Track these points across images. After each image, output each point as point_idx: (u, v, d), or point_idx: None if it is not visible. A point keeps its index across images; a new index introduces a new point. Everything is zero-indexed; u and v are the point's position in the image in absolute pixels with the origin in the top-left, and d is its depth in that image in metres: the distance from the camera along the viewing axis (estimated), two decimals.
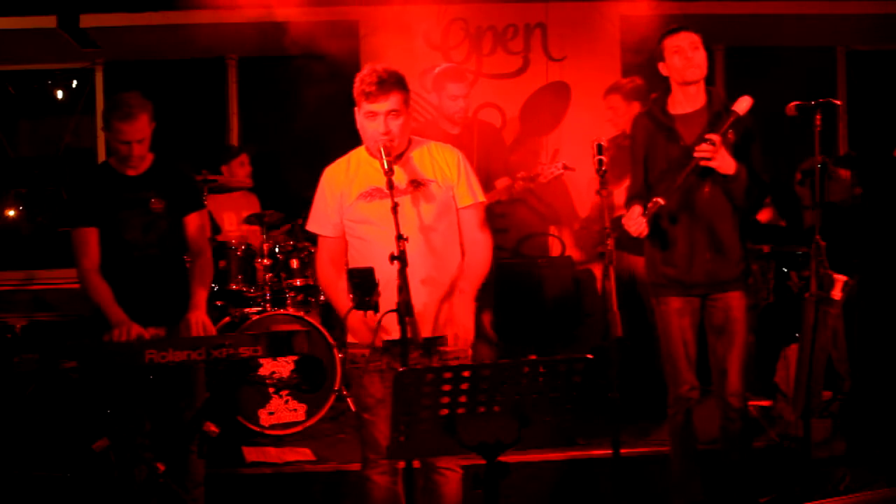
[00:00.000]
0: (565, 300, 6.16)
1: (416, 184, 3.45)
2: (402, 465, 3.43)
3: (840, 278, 4.08)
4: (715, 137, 3.79)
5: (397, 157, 3.40)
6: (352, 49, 6.49)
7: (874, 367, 5.18)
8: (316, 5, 6.32)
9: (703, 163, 3.81)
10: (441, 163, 3.52)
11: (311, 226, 3.57)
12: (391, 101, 3.34)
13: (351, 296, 3.14)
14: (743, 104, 3.85)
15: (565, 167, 5.15)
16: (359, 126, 3.44)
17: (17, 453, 4.66)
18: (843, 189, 5.78)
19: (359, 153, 3.53)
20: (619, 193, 5.26)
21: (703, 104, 4.01)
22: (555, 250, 6.63)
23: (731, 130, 3.90)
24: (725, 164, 3.82)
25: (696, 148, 3.82)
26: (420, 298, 3.25)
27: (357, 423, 3.58)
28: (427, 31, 6.56)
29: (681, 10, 6.33)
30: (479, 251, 3.55)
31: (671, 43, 3.97)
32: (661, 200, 3.84)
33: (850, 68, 7.55)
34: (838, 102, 4.10)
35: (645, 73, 5.44)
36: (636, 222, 3.88)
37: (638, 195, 4.07)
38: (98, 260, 3.90)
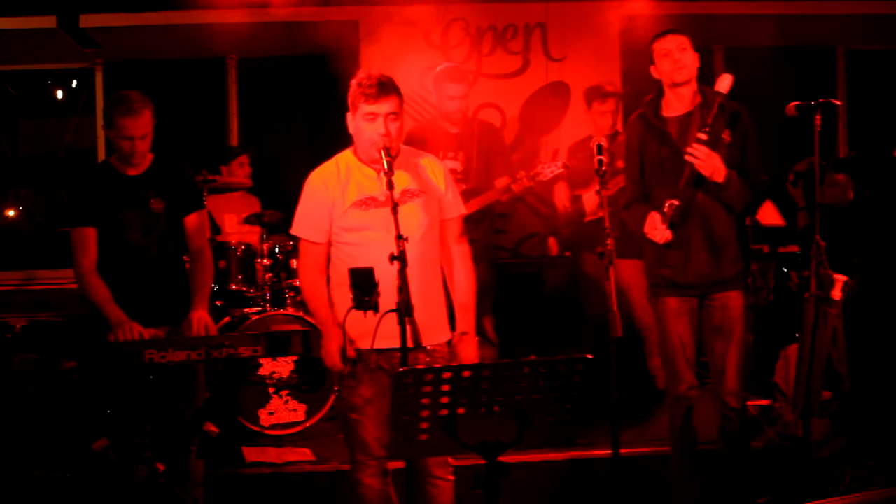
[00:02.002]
0: (565, 300, 6.16)
1: (412, 192, 3.46)
2: (391, 466, 3.46)
3: (840, 278, 4.08)
4: (701, 136, 3.80)
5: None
6: (352, 49, 6.49)
7: (874, 366, 5.18)
8: (316, 5, 6.32)
9: (696, 166, 3.82)
10: (429, 173, 3.54)
11: (298, 230, 3.54)
12: (391, 104, 3.35)
13: (351, 296, 3.13)
14: (724, 83, 3.86)
15: (565, 166, 5.16)
16: (354, 130, 3.43)
17: (17, 453, 4.66)
18: (838, 192, 5.79)
19: (347, 158, 3.51)
20: (589, 199, 5.31)
21: (696, 105, 4.01)
22: (555, 250, 6.63)
23: (726, 129, 3.91)
24: (716, 170, 3.83)
25: (687, 149, 3.83)
26: (415, 304, 3.22)
27: (344, 426, 3.55)
28: (427, 31, 6.57)
29: (681, 11, 6.34)
30: (465, 265, 3.62)
31: (659, 46, 3.99)
32: (675, 202, 3.85)
33: (849, 68, 7.55)
34: (838, 102, 4.10)
35: (645, 73, 5.44)
36: (660, 231, 3.90)
37: (636, 199, 4.09)
38: (96, 260, 3.90)
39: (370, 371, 3.41)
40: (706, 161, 3.81)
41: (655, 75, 4.05)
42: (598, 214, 4.85)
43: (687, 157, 3.83)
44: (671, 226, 3.91)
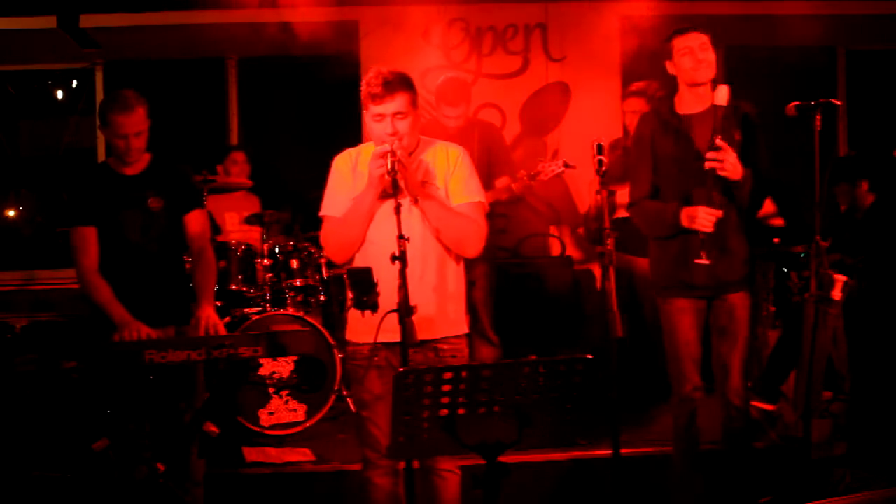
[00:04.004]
0: (565, 300, 6.16)
1: (423, 185, 3.43)
2: (402, 466, 3.43)
3: (840, 278, 4.07)
4: (720, 142, 3.76)
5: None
6: (352, 49, 6.50)
7: (874, 367, 5.18)
8: (316, 5, 6.32)
9: (718, 172, 3.79)
10: (438, 164, 3.49)
11: (328, 209, 3.48)
12: (397, 103, 3.32)
13: (350, 295, 3.13)
14: (721, 94, 3.80)
15: (566, 165, 5.16)
16: (367, 128, 3.43)
17: (17, 453, 4.66)
18: (856, 196, 5.83)
19: (369, 150, 3.45)
20: (622, 195, 5.28)
21: (711, 103, 3.96)
22: (555, 250, 6.63)
23: (736, 130, 3.90)
24: (734, 168, 3.80)
25: (707, 155, 3.80)
26: (420, 300, 3.22)
27: (356, 423, 3.56)
28: (427, 31, 6.57)
29: (681, 11, 6.34)
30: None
31: (680, 43, 3.93)
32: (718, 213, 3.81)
33: (850, 68, 7.55)
34: (838, 102, 4.09)
35: (644, 73, 5.45)
36: (709, 214, 3.78)
37: (645, 196, 4.05)
38: (97, 259, 3.90)
39: (380, 368, 3.40)
40: (725, 163, 3.76)
41: (671, 71, 4.00)
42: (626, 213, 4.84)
43: (706, 166, 3.78)
44: (702, 244, 3.84)
